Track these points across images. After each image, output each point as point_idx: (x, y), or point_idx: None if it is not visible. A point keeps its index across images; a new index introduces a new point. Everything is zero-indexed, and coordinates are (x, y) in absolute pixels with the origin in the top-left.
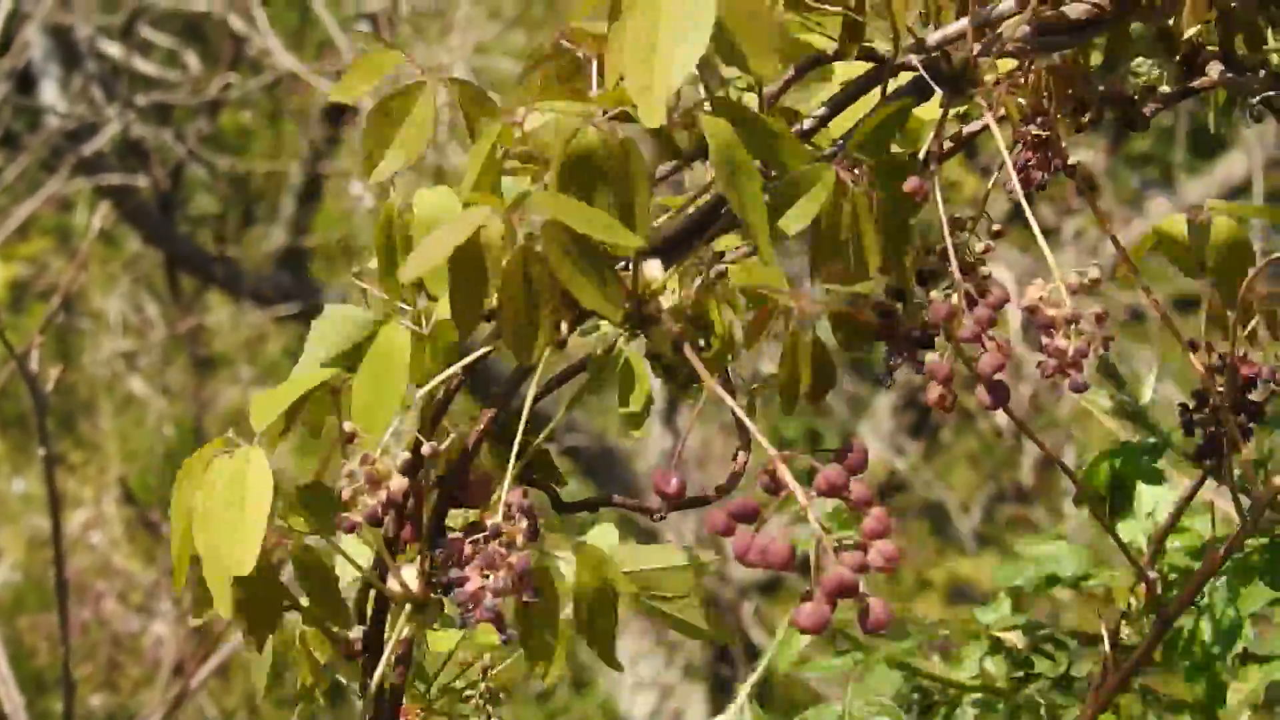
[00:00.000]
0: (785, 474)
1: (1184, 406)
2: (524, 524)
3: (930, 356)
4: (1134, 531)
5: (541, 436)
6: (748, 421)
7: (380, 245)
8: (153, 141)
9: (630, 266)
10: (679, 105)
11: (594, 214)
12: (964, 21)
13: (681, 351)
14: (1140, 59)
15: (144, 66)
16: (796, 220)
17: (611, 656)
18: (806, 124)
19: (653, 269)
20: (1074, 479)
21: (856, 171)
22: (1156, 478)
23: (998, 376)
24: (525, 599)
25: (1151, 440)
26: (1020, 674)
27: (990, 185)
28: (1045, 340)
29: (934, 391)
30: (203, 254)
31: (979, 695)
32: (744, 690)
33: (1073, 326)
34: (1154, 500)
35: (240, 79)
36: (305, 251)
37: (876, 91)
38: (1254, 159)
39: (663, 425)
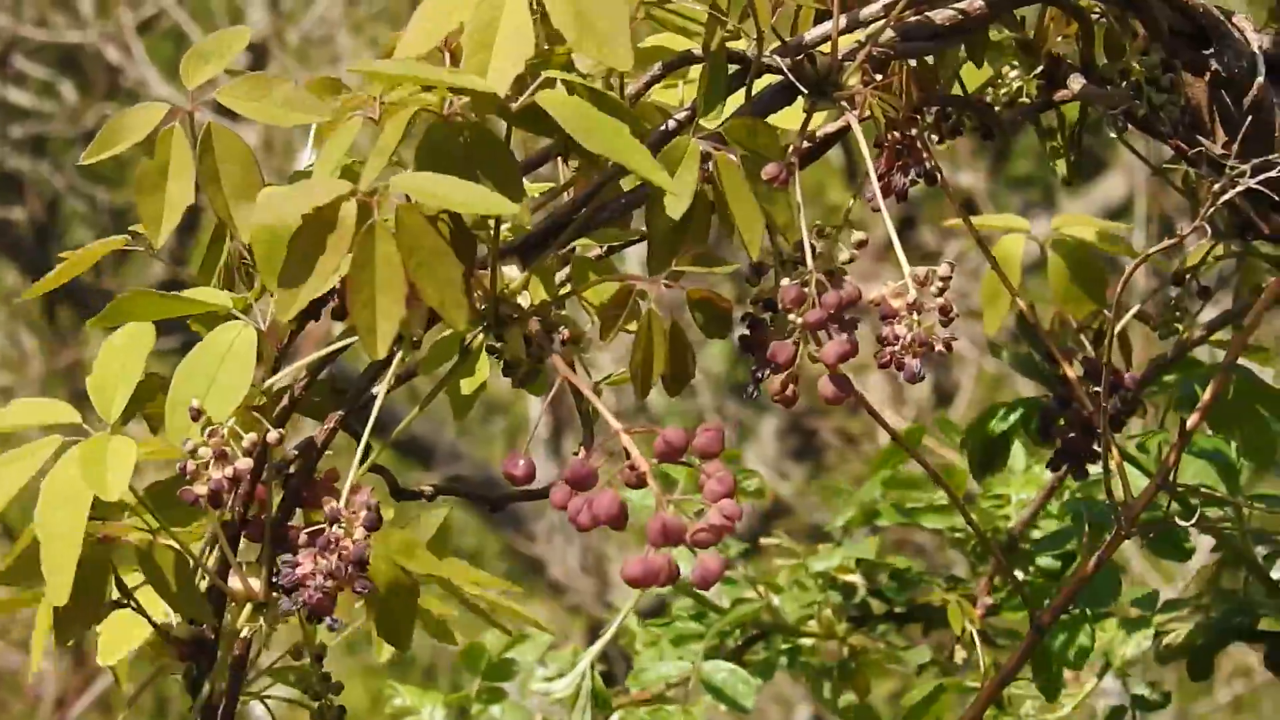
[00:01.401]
0: (628, 442)
1: (1045, 410)
2: (364, 514)
3: (775, 344)
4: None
5: (392, 436)
6: (597, 403)
7: (209, 238)
8: (29, 173)
9: (489, 266)
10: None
11: (463, 185)
12: (829, 25)
13: (531, 350)
14: (1005, 69)
15: (18, 98)
16: (679, 199)
17: (405, 645)
18: (670, 124)
19: (510, 269)
20: (942, 483)
21: (720, 148)
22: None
23: (842, 368)
24: (358, 588)
25: (1051, 400)
26: (856, 614)
27: (854, 193)
28: (885, 330)
29: (776, 381)
30: (81, 287)
31: (813, 638)
32: (586, 657)
33: (915, 315)
34: (1023, 480)
35: (117, 110)
36: (184, 283)
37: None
38: (1135, 180)
39: (547, 454)
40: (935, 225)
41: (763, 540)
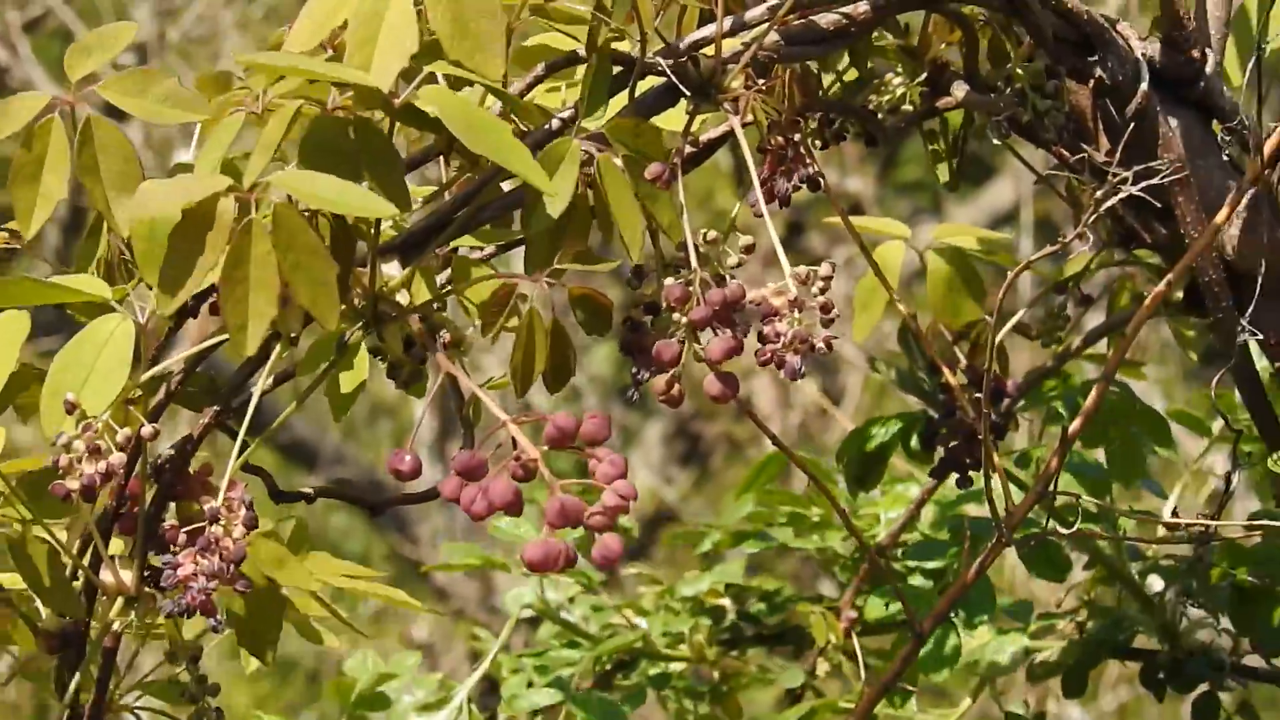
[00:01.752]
0: (515, 431)
1: (929, 420)
2: (242, 513)
3: (660, 343)
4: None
5: (267, 432)
6: (482, 395)
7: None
8: None
9: (368, 264)
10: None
11: (344, 186)
12: (713, 27)
13: (412, 350)
14: (889, 75)
15: None
16: (557, 199)
17: (267, 658)
18: (553, 124)
19: (391, 267)
20: (820, 486)
21: (603, 148)
22: (917, 455)
23: (728, 365)
24: (239, 588)
25: (930, 416)
26: (727, 637)
27: (740, 197)
28: (766, 328)
29: (661, 381)
30: None
31: (683, 663)
32: (462, 690)
33: (795, 313)
34: (891, 499)
35: None
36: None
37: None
38: (1023, 186)
39: (432, 457)
40: (823, 231)
41: (623, 570)
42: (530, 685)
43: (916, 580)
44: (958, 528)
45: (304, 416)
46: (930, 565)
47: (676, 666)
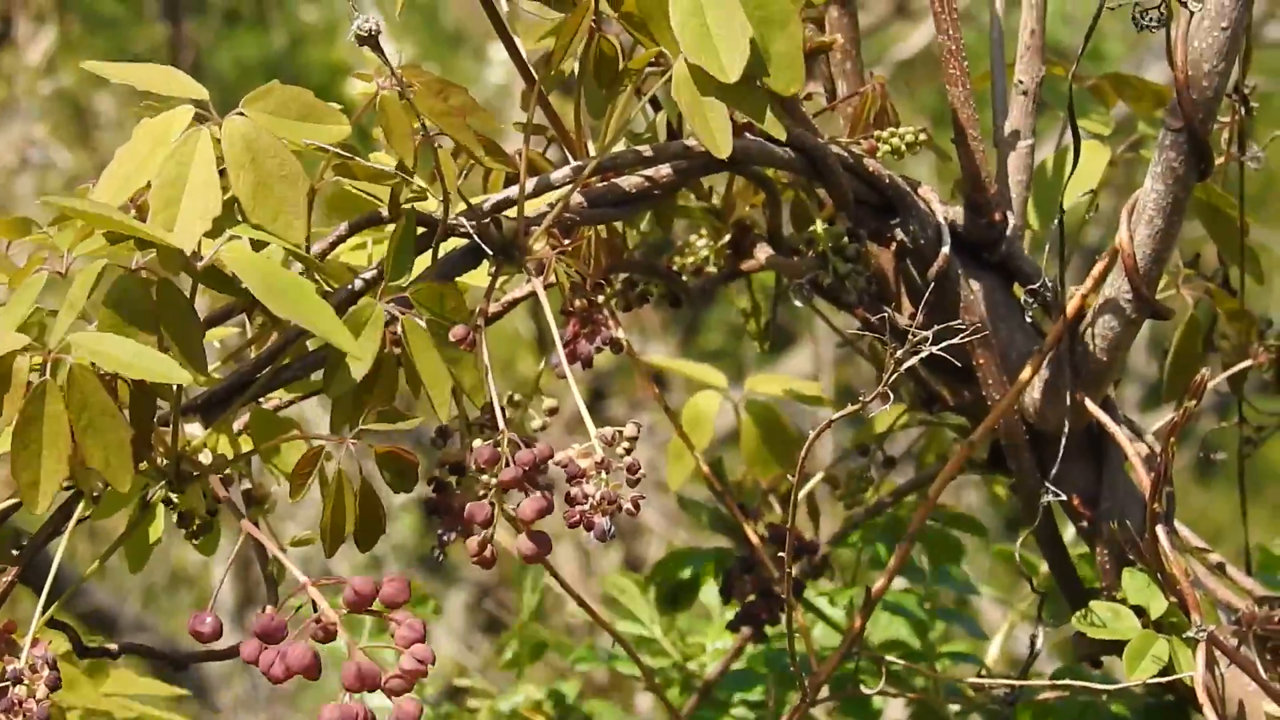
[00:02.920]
0: (315, 594)
1: (728, 573)
2: (46, 673)
3: (472, 505)
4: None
5: (69, 590)
6: (284, 558)
7: None
8: None
9: (171, 423)
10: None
11: (141, 351)
12: (515, 189)
13: (211, 507)
14: (693, 237)
15: None
16: (360, 362)
17: None
18: (357, 284)
19: (193, 427)
20: (629, 650)
21: (406, 311)
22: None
23: (539, 525)
24: None
25: (735, 562)
26: None
27: (544, 361)
28: (574, 490)
29: (474, 542)
30: None
31: None
32: None
33: (602, 474)
34: (719, 627)
35: None
36: None
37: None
38: (822, 354)
39: (233, 624)
40: (625, 397)
41: (456, 681)
42: None
43: (739, 711)
44: (774, 663)
45: (104, 585)
46: (751, 697)
47: None
